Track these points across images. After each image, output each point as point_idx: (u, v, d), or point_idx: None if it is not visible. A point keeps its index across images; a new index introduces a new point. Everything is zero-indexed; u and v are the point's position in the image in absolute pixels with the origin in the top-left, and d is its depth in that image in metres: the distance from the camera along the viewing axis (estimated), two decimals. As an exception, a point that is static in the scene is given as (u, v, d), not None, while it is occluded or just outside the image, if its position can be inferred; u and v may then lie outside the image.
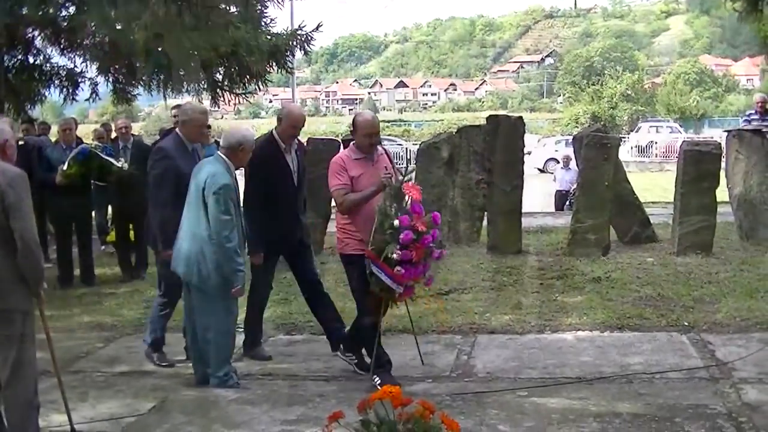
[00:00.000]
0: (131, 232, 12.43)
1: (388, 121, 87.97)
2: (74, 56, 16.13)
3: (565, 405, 6.46)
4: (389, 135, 55.85)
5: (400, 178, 7.10)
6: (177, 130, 7.95)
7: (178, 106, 14.13)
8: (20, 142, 12.90)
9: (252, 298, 8.12)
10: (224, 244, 6.80)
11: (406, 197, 6.92)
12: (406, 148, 40.65)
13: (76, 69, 16.54)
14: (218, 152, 7.14)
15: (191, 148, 7.88)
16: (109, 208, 14.82)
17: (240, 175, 7.33)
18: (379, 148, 7.49)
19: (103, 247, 14.83)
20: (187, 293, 7.24)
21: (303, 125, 8.04)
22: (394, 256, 6.72)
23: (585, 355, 7.84)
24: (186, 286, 7.21)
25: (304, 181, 8.22)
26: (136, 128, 21.19)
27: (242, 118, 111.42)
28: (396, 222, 6.74)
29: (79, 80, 16.63)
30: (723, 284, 10.41)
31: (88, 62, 16.15)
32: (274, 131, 7.88)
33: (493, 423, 6.08)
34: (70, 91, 16.61)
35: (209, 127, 8.30)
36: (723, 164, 13.33)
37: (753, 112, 17.51)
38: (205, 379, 7.23)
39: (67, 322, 9.63)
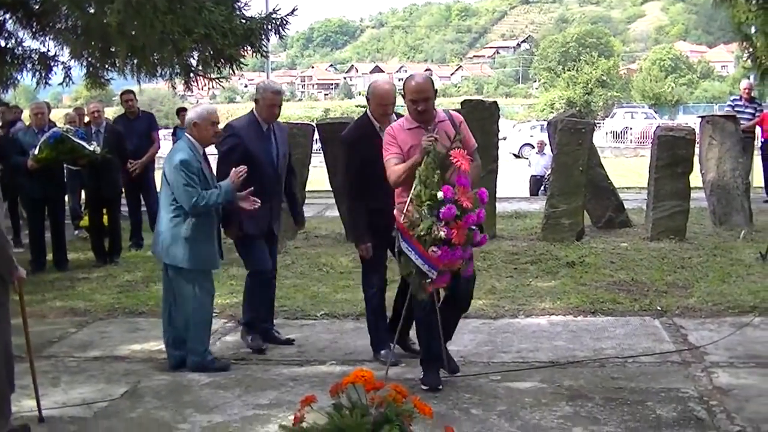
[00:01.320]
0: (105, 217, 12.36)
1: (364, 106, 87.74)
2: (47, 40, 16.01)
3: (538, 389, 6.50)
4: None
5: (448, 144, 6.20)
6: (253, 109, 7.79)
7: (127, 92, 14.11)
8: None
9: (368, 288, 7.49)
10: (198, 208, 6.99)
11: (452, 167, 6.03)
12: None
13: (48, 53, 16.43)
14: (185, 132, 7.36)
15: (266, 127, 7.71)
16: (83, 193, 14.75)
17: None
18: (441, 113, 6.67)
19: (76, 232, 14.74)
20: (165, 274, 7.33)
21: (393, 100, 7.21)
22: (435, 233, 5.84)
23: (558, 340, 7.86)
24: (164, 267, 7.32)
25: None
26: (110, 113, 21.01)
27: (217, 102, 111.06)
28: (440, 193, 5.88)
29: (52, 64, 16.51)
30: (696, 269, 10.47)
31: (60, 46, 16.05)
32: (368, 111, 7.26)
33: (466, 407, 6.10)
34: (43, 75, 16.48)
35: (280, 106, 7.78)
36: (697, 150, 13.39)
37: (738, 98, 17.63)
38: (180, 363, 7.24)
39: (39, 307, 9.56)
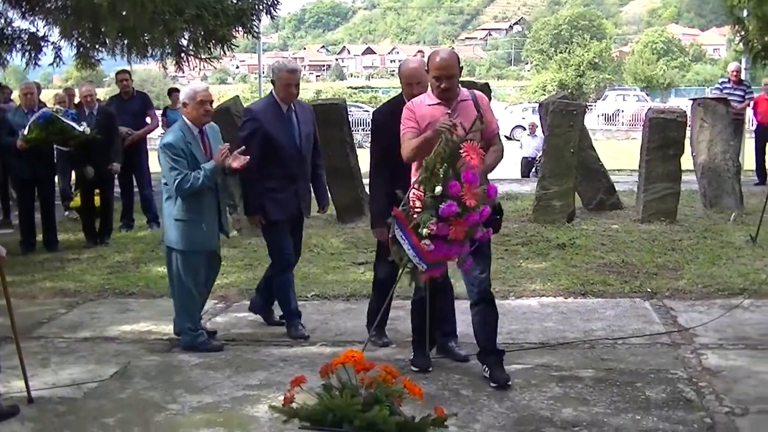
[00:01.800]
0: (96, 198, 12.32)
1: (356, 88, 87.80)
2: (36, 20, 15.94)
3: (528, 370, 6.51)
4: (356, 101, 55.64)
5: (462, 134, 5.75)
6: (272, 91, 7.60)
7: (123, 71, 14.04)
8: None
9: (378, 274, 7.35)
10: (183, 189, 7.03)
11: (462, 159, 5.63)
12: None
13: (38, 33, 16.35)
14: (181, 114, 7.39)
15: (286, 108, 7.50)
16: (73, 174, 14.70)
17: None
18: (465, 92, 6.32)
19: (66, 213, 14.70)
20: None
21: (419, 78, 6.63)
22: (426, 230, 5.53)
23: (549, 321, 7.87)
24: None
25: None
26: (101, 93, 20.95)
27: (209, 83, 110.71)
28: (438, 188, 5.54)
29: (42, 44, 16.43)
30: (686, 251, 10.49)
31: (51, 26, 15.96)
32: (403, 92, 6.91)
33: (455, 388, 6.11)
34: (33, 55, 16.41)
35: (297, 85, 7.52)
36: (688, 132, 13.40)
37: (726, 80, 17.66)
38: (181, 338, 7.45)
39: (29, 288, 9.56)
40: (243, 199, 7.73)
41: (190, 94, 7.22)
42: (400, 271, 5.85)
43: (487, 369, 6.24)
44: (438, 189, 5.53)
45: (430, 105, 6.18)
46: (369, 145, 7.61)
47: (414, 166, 6.21)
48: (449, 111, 6.03)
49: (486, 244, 6.20)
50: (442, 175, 5.58)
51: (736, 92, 16.96)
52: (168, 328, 7.82)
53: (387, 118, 6.76)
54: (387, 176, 6.71)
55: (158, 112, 17.85)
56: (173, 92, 19.17)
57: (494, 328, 6.37)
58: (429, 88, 6.28)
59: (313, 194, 7.97)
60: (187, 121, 7.21)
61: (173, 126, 7.37)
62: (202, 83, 8.37)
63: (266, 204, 7.45)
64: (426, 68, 6.40)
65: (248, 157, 7.16)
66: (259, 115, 7.48)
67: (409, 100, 6.52)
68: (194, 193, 7.08)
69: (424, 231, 5.52)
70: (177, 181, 6.99)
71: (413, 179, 6.02)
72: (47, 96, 18.99)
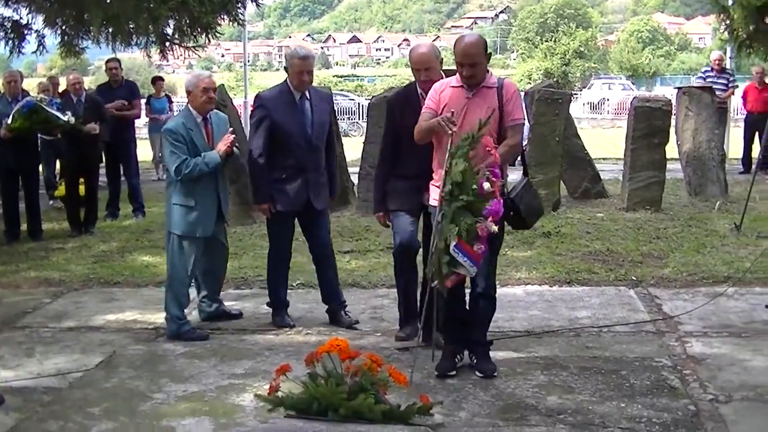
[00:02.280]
0: (81, 187, 12.28)
1: (341, 76, 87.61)
2: (19, 7, 15.85)
3: (513, 358, 6.51)
4: (342, 90, 55.55)
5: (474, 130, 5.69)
6: (286, 78, 7.38)
7: (113, 59, 13.98)
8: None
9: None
10: (181, 173, 7.09)
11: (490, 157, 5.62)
12: (359, 103, 40.44)
13: (21, 21, 16.26)
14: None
15: (299, 96, 7.30)
16: (57, 163, 14.65)
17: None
18: (492, 80, 6.12)
19: (51, 202, 14.66)
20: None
21: (428, 64, 6.54)
22: (488, 227, 5.56)
23: (534, 309, 7.88)
24: None
25: None
26: (87, 82, 20.90)
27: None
28: (486, 184, 5.55)
29: (26, 32, 16.35)
30: (671, 239, 10.53)
31: (34, 14, 15.88)
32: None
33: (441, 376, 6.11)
34: (16, 43, 16.33)
35: (310, 72, 7.29)
36: (673, 121, 13.43)
37: (709, 69, 17.74)
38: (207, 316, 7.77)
39: (13, 278, 9.52)
40: (252, 188, 7.66)
41: (194, 81, 7.29)
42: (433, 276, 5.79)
43: (474, 358, 6.24)
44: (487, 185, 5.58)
45: (453, 87, 6.10)
46: (364, 132, 7.61)
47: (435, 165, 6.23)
48: (469, 96, 6.00)
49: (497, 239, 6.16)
50: (464, 178, 5.57)
51: (719, 81, 17.04)
52: (153, 317, 7.82)
53: (395, 104, 6.87)
54: (391, 164, 6.80)
55: (143, 101, 17.80)
56: (157, 81, 19.15)
57: (489, 321, 6.38)
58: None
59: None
60: (191, 109, 7.29)
61: (179, 113, 7.62)
62: (205, 71, 8.42)
63: (274, 194, 7.33)
64: (437, 54, 6.56)
65: (232, 137, 7.19)
66: (268, 102, 7.35)
67: (421, 86, 6.54)
68: (193, 178, 7.12)
69: (494, 228, 5.61)
70: (176, 166, 7.06)
71: (437, 172, 6.10)
72: (31, 84, 18.87)
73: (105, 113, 12.35)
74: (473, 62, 5.95)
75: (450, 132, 5.69)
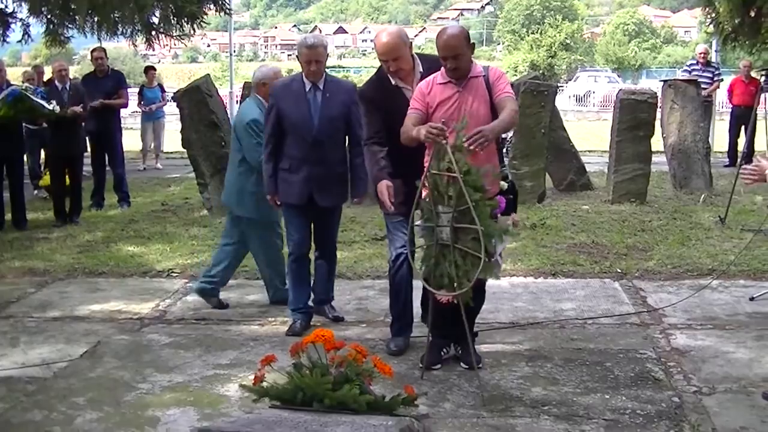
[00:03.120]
0: (66, 176, 12.23)
1: (327, 67, 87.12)
2: (4, -4, 15.78)
3: (498, 349, 6.53)
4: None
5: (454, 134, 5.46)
6: None
7: (98, 49, 13.92)
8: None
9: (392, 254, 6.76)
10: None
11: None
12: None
13: (6, 9, 16.20)
14: (253, 92, 7.70)
15: (309, 87, 6.99)
16: (42, 152, 14.58)
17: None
18: (478, 68, 5.94)
19: (36, 192, 14.61)
20: (229, 220, 7.95)
21: (396, 53, 6.16)
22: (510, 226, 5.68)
23: (519, 301, 7.90)
24: (230, 213, 7.93)
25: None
26: (72, 71, 20.83)
27: (180, 62, 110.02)
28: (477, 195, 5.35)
29: (10, 21, 16.29)
30: (656, 232, 10.57)
31: (19, 2, 15.82)
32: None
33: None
34: (1, 32, 16.24)
35: (319, 62, 6.95)
36: (658, 114, 13.47)
37: (694, 62, 17.80)
38: (278, 298, 7.90)
39: (-3, 267, 9.50)
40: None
41: (269, 74, 7.54)
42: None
43: (459, 349, 6.24)
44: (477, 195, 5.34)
45: (440, 84, 5.91)
46: None
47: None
48: (460, 89, 5.82)
49: None
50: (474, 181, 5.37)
51: (705, 74, 17.11)
52: (138, 307, 7.82)
53: (369, 98, 6.50)
54: (374, 153, 6.40)
55: (134, 90, 17.76)
56: (149, 70, 19.09)
57: (477, 313, 6.35)
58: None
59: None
60: (262, 99, 7.46)
61: (249, 104, 7.63)
62: (277, 65, 8.46)
63: (280, 185, 7.09)
64: (404, 39, 6.23)
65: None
66: (278, 90, 7.12)
67: (389, 74, 6.27)
68: None
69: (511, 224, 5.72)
70: (262, 156, 7.17)
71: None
72: (15, 74, 18.79)
73: (87, 102, 12.28)
74: (456, 54, 5.76)
75: (443, 142, 5.42)
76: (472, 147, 5.30)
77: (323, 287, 7.52)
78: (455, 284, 5.48)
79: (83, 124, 12.31)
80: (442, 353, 6.23)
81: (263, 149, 7.16)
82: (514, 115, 5.72)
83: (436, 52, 6.03)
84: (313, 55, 6.89)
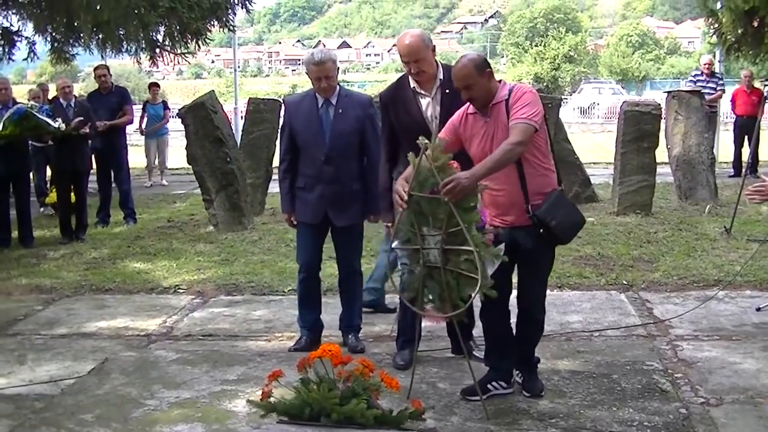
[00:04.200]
0: (72, 194, 12.26)
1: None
2: (10, 14, 15.88)
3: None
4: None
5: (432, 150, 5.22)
6: None
7: (101, 66, 13.96)
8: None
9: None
10: None
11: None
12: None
13: (12, 27, 16.28)
14: None
15: (321, 102, 6.81)
16: (48, 169, 14.62)
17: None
18: (503, 93, 5.49)
19: (42, 209, 14.64)
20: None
21: (417, 55, 6.09)
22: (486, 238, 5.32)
23: (525, 314, 7.88)
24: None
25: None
26: (76, 89, 20.94)
27: (184, 78, 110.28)
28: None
29: (16, 39, 16.37)
30: (661, 243, 10.56)
31: (24, 21, 15.90)
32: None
33: (433, 381, 6.11)
34: (6, 50, 16.35)
35: (329, 77, 6.71)
36: (663, 125, 13.48)
37: (699, 73, 17.84)
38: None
39: (4, 285, 9.50)
40: None
41: None
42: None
43: (521, 377, 5.95)
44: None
45: (470, 114, 5.61)
46: None
47: None
48: (487, 120, 5.49)
49: None
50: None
51: (709, 85, 17.14)
52: (145, 324, 7.83)
53: (387, 102, 6.46)
54: (392, 160, 6.43)
55: (138, 107, 17.80)
56: (152, 87, 19.12)
57: (535, 341, 6.05)
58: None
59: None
60: None
61: None
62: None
63: (297, 204, 6.96)
64: (427, 42, 6.12)
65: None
66: (290, 107, 7.03)
67: (412, 78, 6.20)
68: None
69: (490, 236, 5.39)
70: None
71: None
72: (21, 92, 18.85)
73: (94, 120, 12.31)
74: (467, 85, 5.47)
75: (428, 164, 5.16)
76: (447, 198, 5.04)
77: (346, 313, 7.18)
78: (448, 305, 5.33)
79: (90, 141, 12.33)
80: (489, 388, 5.83)
81: (279, 166, 7.05)
82: (506, 152, 5.25)
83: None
84: (321, 71, 6.71)
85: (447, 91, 6.16)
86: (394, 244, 5.67)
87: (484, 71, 5.51)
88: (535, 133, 5.38)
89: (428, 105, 6.25)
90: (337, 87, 6.89)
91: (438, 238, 5.23)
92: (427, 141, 5.22)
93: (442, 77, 6.22)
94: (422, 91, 6.25)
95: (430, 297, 5.43)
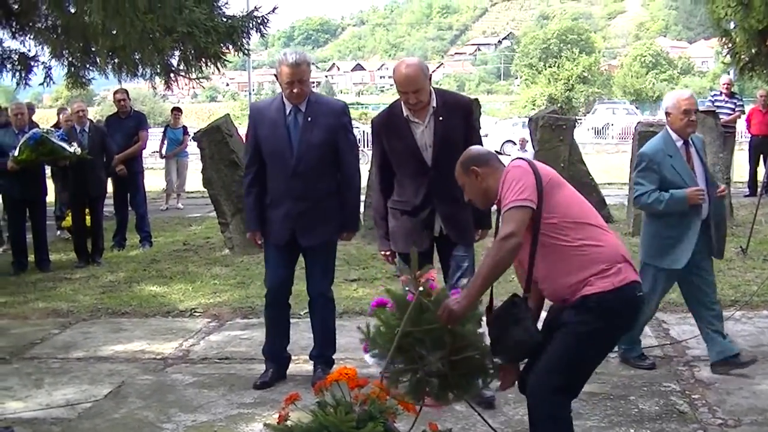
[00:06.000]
0: (88, 218, 12.31)
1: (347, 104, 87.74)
2: (26, 39, 16.01)
3: (522, 384, 6.50)
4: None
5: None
6: None
7: (120, 91, 14.03)
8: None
9: None
10: (642, 203, 6.80)
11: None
12: (363, 131, 40.54)
13: (28, 53, 16.42)
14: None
15: (290, 109, 6.26)
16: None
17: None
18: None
19: (58, 233, 14.70)
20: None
21: (416, 86, 5.73)
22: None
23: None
24: None
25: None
26: (92, 113, 21.04)
27: (199, 101, 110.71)
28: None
29: (32, 64, 16.51)
30: (677, 264, 10.51)
31: (41, 45, 16.03)
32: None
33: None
34: (23, 75, 16.48)
35: (302, 81, 6.11)
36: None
37: (718, 93, 17.80)
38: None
39: (21, 309, 9.53)
40: None
41: (674, 103, 6.70)
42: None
43: None
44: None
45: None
46: (369, 160, 7.04)
47: None
48: None
49: None
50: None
51: (728, 105, 17.09)
52: (161, 347, 7.84)
53: (379, 128, 6.16)
54: (385, 190, 6.20)
55: (159, 130, 17.86)
56: (174, 111, 19.21)
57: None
58: None
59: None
60: (670, 131, 6.74)
61: (656, 136, 6.83)
62: (686, 91, 7.32)
63: (266, 222, 6.47)
64: (425, 71, 5.84)
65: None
66: (256, 114, 6.46)
67: (407, 107, 5.90)
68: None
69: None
70: (638, 194, 6.71)
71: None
72: (39, 116, 18.93)
73: (109, 144, 12.38)
74: (462, 183, 4.84)
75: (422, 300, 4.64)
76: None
77: (317, 340, 6.78)
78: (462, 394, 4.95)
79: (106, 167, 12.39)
80: None
81: (243, 179, 6.55)
82: (494, 253, 4.49)
83: (455, 87, 5.98)
84: (296, 74, 6.09)
85: (441, 118, 5.94)
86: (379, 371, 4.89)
87: (478, 165, 4.76)
88: (535, 211, 4.51)
89: (422, 133, 5.96)
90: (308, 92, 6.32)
91: (441, 354, 4.76)
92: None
93: (435, 104, 5.96)
94: (416, 119, 5.96)
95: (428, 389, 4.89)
